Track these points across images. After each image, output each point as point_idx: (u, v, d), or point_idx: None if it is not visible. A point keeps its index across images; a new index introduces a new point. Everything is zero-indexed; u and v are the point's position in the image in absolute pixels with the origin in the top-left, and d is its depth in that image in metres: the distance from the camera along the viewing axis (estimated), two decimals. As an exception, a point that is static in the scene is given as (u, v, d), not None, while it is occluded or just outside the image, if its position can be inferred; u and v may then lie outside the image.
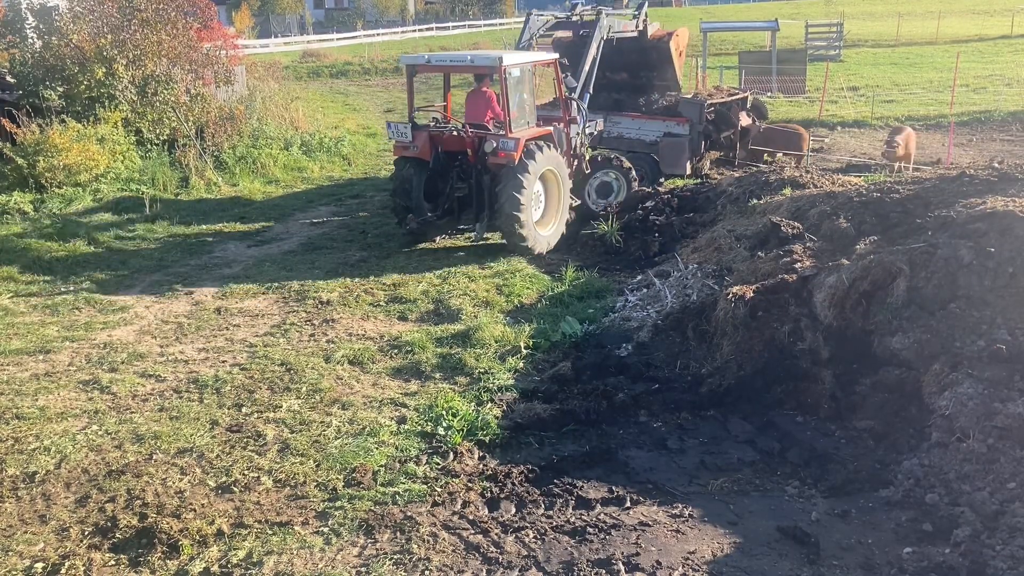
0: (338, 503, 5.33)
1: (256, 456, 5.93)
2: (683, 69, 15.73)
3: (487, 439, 6.12)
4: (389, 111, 25.02)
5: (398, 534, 4.99)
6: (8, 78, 15.80)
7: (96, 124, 14.53)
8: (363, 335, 8.20)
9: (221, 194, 14.58)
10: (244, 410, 6.65)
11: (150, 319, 8.74)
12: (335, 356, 7.59)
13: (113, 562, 4.80)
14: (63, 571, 4.71)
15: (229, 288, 9.63)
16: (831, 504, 5.26)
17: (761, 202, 10.38)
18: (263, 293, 9.52)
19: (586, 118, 12.28)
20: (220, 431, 6.30)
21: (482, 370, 7.31)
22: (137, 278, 10.17)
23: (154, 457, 5.91)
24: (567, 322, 8.26)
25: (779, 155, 14.60)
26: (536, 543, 4.88)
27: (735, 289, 7.33)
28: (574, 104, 11.95)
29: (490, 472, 5.65)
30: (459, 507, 5.28)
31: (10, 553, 4.88)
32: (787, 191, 10.36)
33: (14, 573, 4.71)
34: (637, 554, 4.73)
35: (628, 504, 5.28)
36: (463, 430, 6.21)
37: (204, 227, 12.52)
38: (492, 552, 4.81)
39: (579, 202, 12.00)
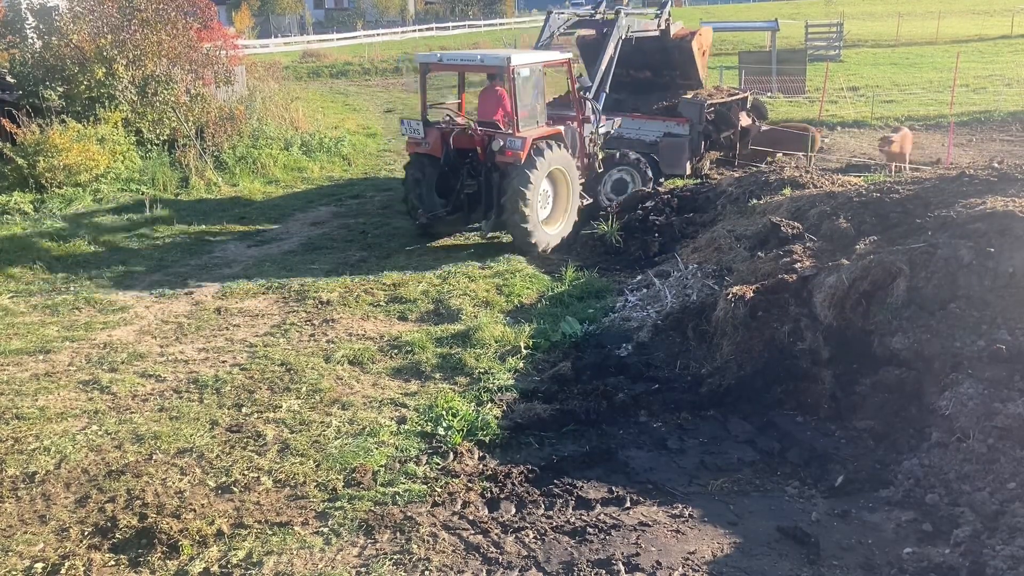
0: (338, 503, 5.33)
1: (256, 456, 5.93)
2: (707, 68, 15.68)
3: (487, 439, 6.12)
4: (389, 111, 25.02)
5: (398, 534, 4.99)
6: (8, 78, 15.79)
7: (96, 124, 14.53)
8: (363, 335, 8.20)
9: (221, 194, 14.58)
10: (244, 410, 6.65)
11: (150, 319, 8.74)
12: (335, 356, 7.59)
13: (113, 562, 4.80)
14: (63, 571, 4.71)
15: (229, 288, 9.63)
16: (831, 504, 5.26)
17: (761, 202, 10.38)
18: (263, 293, 9.52)
19: (599, 118, 12.29)
20: (220, 431, 6.31)
21: (482, 370, 7.31)
22: (137, 278, 10.17)
23: (154, 457, 5.91)
24: (567, 322, 8.26)
25: (779, 155, 14.60)
26: (536, 543, 4.88)
27: (735, 289, 7.33)
28: (588, 104, 11.98)
29: (490, 472, 5.65)
30: (459, 507, 5.28)
31: (10, 553, 4.88)
32: (787, 191, 10.36)
33: (14, 573, 4.71)
34: (637, 554, 4.73)
35: (628, 504, 5.28)
36: (463, 430, 6.21)
37: (204, 227, 12.52)
38: (492, 552, 4.81)
39: (590, 201, 12.02)
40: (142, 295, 9.52)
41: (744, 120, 15.06)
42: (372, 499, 5.36)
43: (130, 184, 14.23)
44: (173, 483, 5.56)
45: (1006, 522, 4.68)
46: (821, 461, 5.74)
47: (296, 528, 5.08)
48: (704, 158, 14.59)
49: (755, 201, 10.55)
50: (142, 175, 14.48)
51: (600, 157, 12.49)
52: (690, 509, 5.21)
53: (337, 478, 5.61)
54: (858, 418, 6.15)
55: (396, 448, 6.02)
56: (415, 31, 55.23)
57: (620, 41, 12.90)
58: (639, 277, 9.80)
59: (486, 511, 5.26)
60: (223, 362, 7.61)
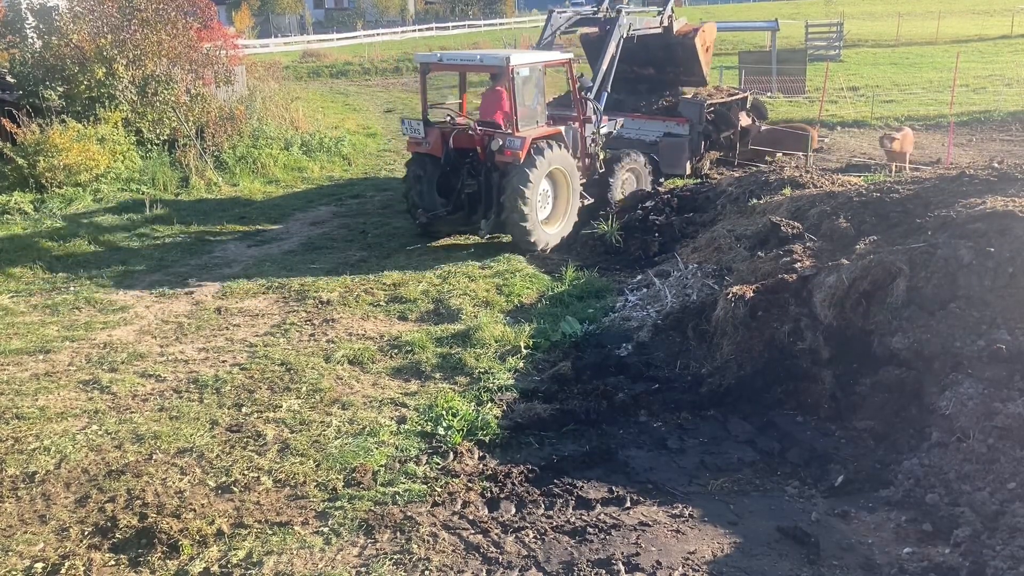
0: (338, 503, 5.33)
1: (256, 456, 5.93)
2: (710, 65, 15.65)
3: (487, 439, 6.12)
4: (389, 111, 25.02)
5: (398, 534, 4.99)
6: (8, 78, 15.80)
7: (96, 124, 14.54)
8: (363, 335, 8.20)
9: (221, 194, 14.58)
10: (244, 410, 6.65)
11: (150, 319, 8.74)
12: (335, 356, 7.59)
13: (113, 562, 4.80)
14: (63, 571, 4.71)
15: (229, 288, 9.63)
16: (831, 504, 5.27)
17: (761, 202, 10.38)
18: (263, 293, 9.52)
19: (600, 118, 12.27)
20: (220, 431, 6.31)
21: (482, 370, 7.31)
22: (137, 278, 10.17)
23: (154, 457, 5.91)
24: (567, 322, 8.26)
25: (779, 155, 14.60)
26: (536, 543, 4.88)
27: (735, 289, 7.33)
28: (589, 104, 11.97)
29: (490, 472, 5.65)
30: (459, 507, 5.28)
31: (10, 553, 4.88)
32: (787, 191, 10.36)
33: (14, 573, 4.71)
34: (637, 554, 4.73)
35: (628, 504, 5.28)
36: (463, 430, 6.21)
37: (204, 227, 12.52)
38: (492, 552, 4.81)
39: (591, 201, 12.01)
40: (142, 295, 9.53)
41: (744, 120, 15.06)
42: (372, 499, 5.36)
43: (130, 184, 14.23)
44: (173, 483, 5.57)
45: (1006, 522, 4.67)
46: (821, 461, 5.74)
47: (296, 528, 5.08)
48: (704, 158, 14.58)
49: (755, 201, 10.56)
50: (142, 175, 14.48)
51: (601, 158, 12.48)
52: (690, 509, 5.21)
53: (337, 478, 5.61)
54: (858, 418, 6.15)
55: (396, 448, 6.02)
56: (415, 31, 55.25)
57: (622, 39, 12.89)
58: (639, 277, 9.80)
59: (486, 511, 5.26)
60: (223, 362, 7.61)
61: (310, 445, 6.06)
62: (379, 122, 22.77)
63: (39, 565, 4.76)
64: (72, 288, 9.70)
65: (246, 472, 5.70)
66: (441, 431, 6.20)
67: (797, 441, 6.02)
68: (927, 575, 4.49)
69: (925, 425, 5.71)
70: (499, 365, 7.41)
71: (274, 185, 15.45)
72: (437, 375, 7.30)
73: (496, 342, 7.86)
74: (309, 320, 8.60)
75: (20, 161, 13.38)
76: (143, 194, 13.80)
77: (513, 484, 5.49)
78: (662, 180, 13.80)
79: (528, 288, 9.45)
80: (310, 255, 11.12)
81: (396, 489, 5.46)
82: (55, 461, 5.86)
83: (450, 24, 57.80)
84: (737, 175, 12.51)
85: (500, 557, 4.76)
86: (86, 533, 5.05)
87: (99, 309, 9.04)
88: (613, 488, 5.46)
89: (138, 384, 7.12)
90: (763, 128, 15.72)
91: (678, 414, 6.47)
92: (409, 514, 5.17)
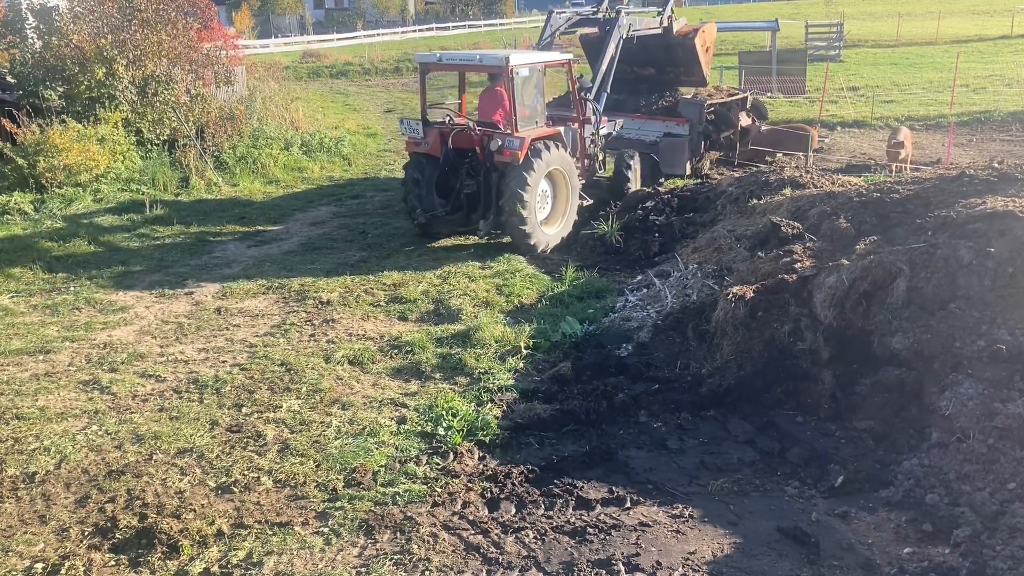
0: (338, 503, 5.33)
1: (256, 456, 5.93)
2: (711, 65, 15.65)
3: (487, 439, 6.12)
4: (389, 111, 25.03)
5: (398, 534, 4.99)
6: (8, 78, 15.80)
7: (96, 124, 14.53)
8: (363, 335, 8.20)
9: (221, 194, 14.58)
10: (244, 410, 6.65)
11: (150, 319, 8.74)
12: (335, 356, 7.59)
13: (113, 562, 4.80)
14: (63, 571, 4.71)
15: (229, 288, 9.63)
16: (831, 504, 5.26)
17: (761, 202, 10.38)
18: (263, 293, 9.52)
19: (600, 118, 12.27)
20: (220, 431, 6.30)
21: (482, 370, 7.31)
22: (137, 278, 10.17)
23: (154, 457, 5.91)
24: (567, 322, 8.26)
25: (779, 155, 14.60)
26: (536, 543, 4.88)
27: (735, 289, 7.33)
28: (588, 104, 11.96)
29: (490, 472, 5.65)
30: (459, 507, 5.28)
31: (10, 553, 4.88)
32: (787, 191, 10.36)
33: (14, 573, 4.71)
34: (637, 554, 4.73)
35: (628, 504, 5.28)
36: (463, 430, 6.21)
37: (204, 227, 12.52)
38: (492, 552, 4.81)
39: (591, 202, 12.01)
40: (142, 295, 9.52)
41: (744, 120, 15.06)
42: (372, 499, 5.36)
43: (130, 184, 14.23)
44: (173, 483, 5.56)
45: (1006, 522, 4.67)
46: (821, 461, 5.74)
47: (296, 528, 5.08)
48: (704, 158, 14.59)
49: (755, 201, 10.56)
50: (142, 175, 14.48)
51: (601, 158, 12.47)
52: (690, 509, 5.20)
53: (337, 478, 5.61)
54: (858, 418, 6.15)
55: (396, 448, 6.02)
56: (415, 31, 55.27)
57: (621, 40, 12.89)
58: (639, 277, 9.80)
59: (486, 511, 5.26)
60: (223, 362, 7.61)
61: (310, 445, 6.06)
62: (379, 122, 22.78)
63: (39, 565, 4.76)
64: (72, 288, 9.70)
65: (246, 472, 5.70)
66: (441, 431, 6.20)
67: (797, 441, 6.02)
68: (927, 575, 4.49)
69: (925, 425, 5.71)
70: (499, 365, 7.41)
71: (274, 185, 15.45)
72: (437, 375, 7.30)
73: (496, 342, 7.86)
74: (309, 320, 8.60)
75: (20, 161, 13.38)
76: (143, 194, 13.80)
77: (513, 484, 5.49)
78: (662, 180, 13.80)
79: (528, 288, 9.45)
80: (310, 255, 11.12)
81: (396, 489, 5.46)
82: (55, 461, 5.86)
83: (450, 24, 57.82)
84: (737, 175, 12.51)
85: (500, 557, 4.76)
86: (86, 533, 5.04)
87: (99, 309, 9.04)
88: (613, 488, 5.46)
89: (138, 384, 7.12)
90: (763, 128, 15.72)
91: (678, 414, 6.47)
92: (409, 514, 5.17)
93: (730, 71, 25.07)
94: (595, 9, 13.60)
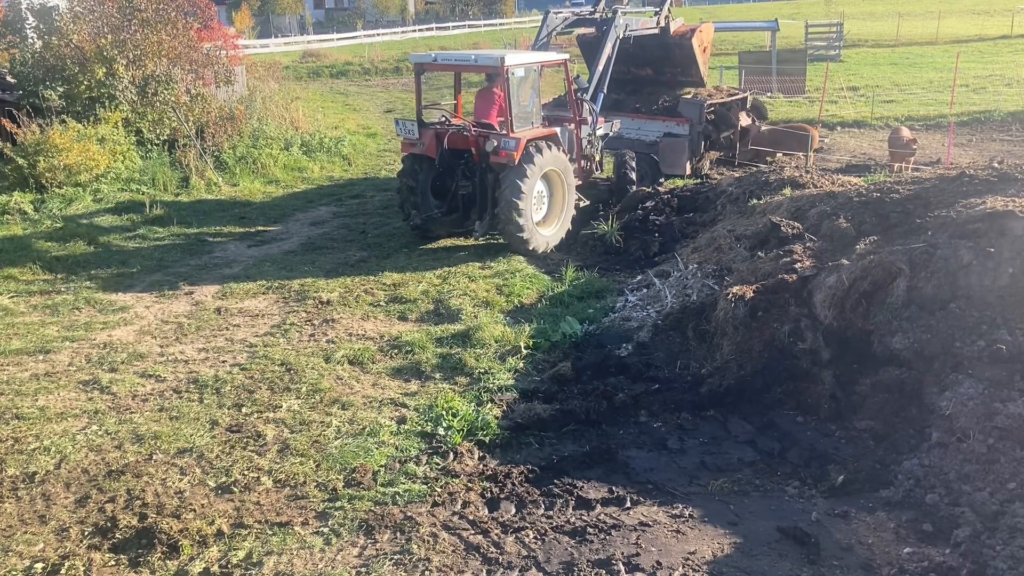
0: (338, 503, 5.33)
1: (256, 456, 5.93)
2: (708, 65, 15.62)
3: (487, 439, 6.12)
4: (389, 111, 25.02)
5: (398, 534, 4.99)
6: (8, 78, 15.80)
7: (96, 124, 14.53)
8: (363, 335, 8.20)
9: (221, 194, 14.58)
10: (244, 410, 6.65)
11: (150, 319, 8.74)
12: (335, 356, 7.59)
13: (113, 562, 4.80)
14: (63, 571, 4.71)
15: (229, 288, 9.63)
16: (831, 504, 5.26)
17: (761, 202, 10.39)
18: (263, 293, 9.52)
19: (597, 119, 12.24)
20: (220, 431, 6.31)
21: (482, 370, 7.31)
22: (137, 278, 10.17)
23: (154, 457, 5.91)
24: (567, 322, 8.26)
25: (779, 155, 14.60)
26: (536, 543, 4.88)
27: (735, 289, 7.33)
28: (585, 105, 11.94)
29: (490, 472, 5.65)
30: (459, 507, 5.28)
31: (10, 553, 4.88)
32: (787, 191, 10.36)
33: (14, 573, 4.71)
34: (637, 554, 4.73)
35: (628, 504, 5.28)
36: (463, 430, 6.21)
37: (204, 227, 12.52)
38: (492, 552, 4.81)
39: (587, 203, 11.99)
40: (142, 295, 9.52)
41: (744, 120, 15.05)
42: (372, 499, 5.36)
43: (130, 184, 14.22)
44: (173, 483, 5.57)
45: (1006, 522, 4.67)
46: (821, 461, 5.74)
47: (296, 528, 5.08)
48: (704, 158, 14.58)
49: (755, 201, 10.56)
50: (142, 175, 14.48)
51: (598, 159, 12.45)
52: (690, 509, 5.21)
53: (337, 478, 5.61)
54: (858, 418, 6.15)
55: (396, 448, 6.02)
56: (415, 31, 55.26)
57: (618, 41, 12.88)
58: (639, 277, 9.80)
59: (486, 511, 5.26)
60: (223, 362, 7.61)
61: (310, 445, 6.06)
62: (379, 122, 22.77)
63: (39, 565, 4.76)
64: (72, 288, 9.70)
65: (246, 472, 5.70)
66: (441, 431, 6.20)
67: (797, 441, 6.02)
68: (927, 575, 4.49)
69: (925, 425, 5.71)
70: (499, 365, 7.41)
71: (274, 185, 15.45)
72: (437, 375, 7.30)
73: (496, 342, 7.86)
74: (309, 320, 8.60)
75: (20, 161, 13.38)
76: (143, 194, 13.79)
77: (513, 484, 5.49)
78: (662, 180, 13.80)
79: (528, 288, 9.45)
80: (310, 255, 11.12)
81: (396, 489, 5.46)
82: (55, 461, 5.86)
83: (450, 24, 57.82)
84: (737, 175, 12.51)
85: (500, 557, 4.76)
86: (86, 533, 5.05)
87: (99, 309, 9.04)
88: (613, 488, 5.46)
89: (138, 384, 7.12)
90: (764, 128, 15.70)
91: (678, 414, 6.47)
92: (409, 514, 5.17)
93: (730, 71, 25.05)
94: (592, 9, 13.59)
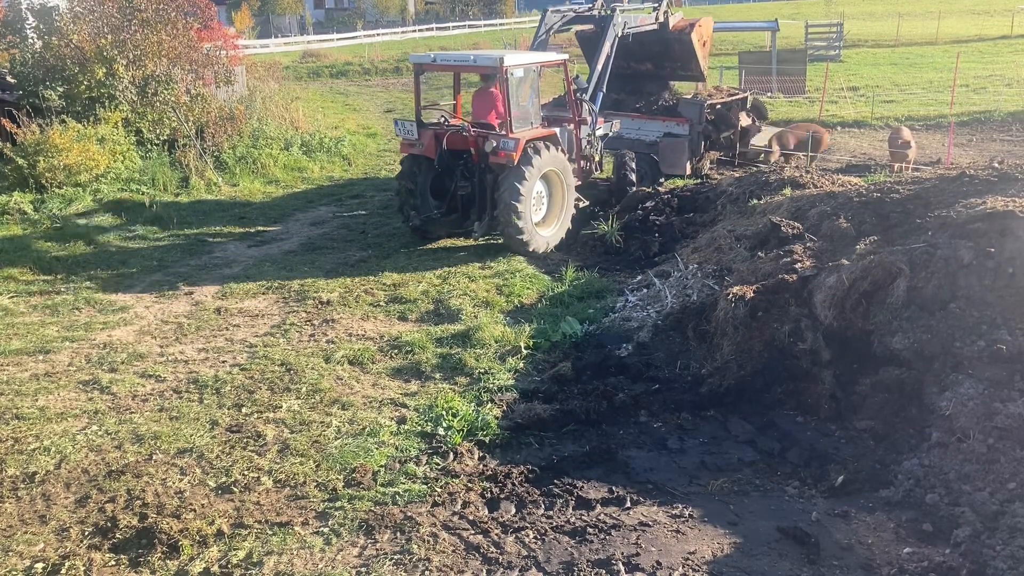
0: (338, 503, 5.33)
1: (256, 456, 5.93)
2: (708, 59, 15.60)
3: (487, 439, 6.12)
4: (389, 111, 25.03)
5: (398, 534, 4.99)
6: (8, 78, 15.79)
7: (96, 124, 14.53)
8: (363, 335, 8.20)
9: (221, 194, 14.58)
10: (244, 410, 6.65)
11: (150, 319, 8.74)
12: (335, 356, 7.59)
13: (113, 562, 4.80)
14: (63, 571, 4.71)
15: (229, 288, 9.63)
16: (831, 504, 5.26)
17: (761, 202, 10.39)
18: (263, 293, 9.52)
19: (596, 119, 12.23)
20: (220, 431, 6.31)
21: (482, 370, 7.32)
22: (137, 278, 10.17)
23: (154, 457, 5.91)
24: (567, 322, 8.26)
25: (779, 155, 14.60)
26: (536, 543, 4.88)
27: (735, 289, 7.33)
28: (584, 105, 11.92)
29: (490, 472, 5.65)
30: (459, 507, 5.28)
31: (10, 553, 4.88)
32: (787, 191, 10.36)
33: (14, 573, 4.71)
34: (637, 554, 4.73)
35: (628, 504, 5.28)
36: (463, 430, 6.21)
37: (204, 227, 12.52)
38: (492, 552, 4.81)
39: (587, 203, 11.99)
40: (142, 295, 9.52)
41: (744, 120, 15.05)
42: (372, 499, 5.36)
43: (130, 184, 14.22)
44: (173, 483, 5.57)
45: (1006, 522, 4.67)
46: (821, 461, 5.74)
47: (296, 528, 5.08)
48: (704, 158, 14.58)
49: (755, 201, 10.56)
50: (142, 175, 14.47)
51: (597, 159, 12.44)
52: (690, 509, 5.21)
53: (337, 478, 5.61)
54: (858, 418, 6.15)
55: (396, 448, 6.02)
56: (415, 31, 55.27)
57: (616, 39, 12.86)
58: (639, 277, 9.80)
59: (486, 511, 5.26)
60: (223, 362, 7.61)
61: (310, 445, 6.06)
62: (379, 122, 22.77)
63: (39, 565, 4.76)
64: (72, 288, 9.70)
65: (246, 472, 5.70)
66: (441, 431, 6.20)
67: (797, 441, 6.02)
68: (927, 575, 4.49)
69: (925, 425, 5.71)
70: (499, 365, 7.41)
71: (274, 185, 15.45)
72: (437, 375, 7.30)
73: (496, 342, 7.86)
74: (309, 320, 8.60)
75: (20, 161, 13.37)
76: (143, 194, 13.79)
77: (513, 484, 5.49)
78: (662, 180, 13.79)
79: (528, 288, 9.45)
80: (310, 255, 11.12)
81: (396, 489, 5.46)
82: (55, 461, 5.86)
83: (450, 24, 57.82)
84: (737, 175, 12.51)
85: (500, 557, 4.76)
86: (86, 533, 5.05)
87: (99, 309, 9.04)
88: (613, 488, 5.46)
89: (138, 384, 7.12)
90: (777, 131, 15.65)
91: (678, 414, 6.47)
92: (409, 514, 5.17)
93: (730, 71, 25.06)
94: (590, 6, 13.57)
